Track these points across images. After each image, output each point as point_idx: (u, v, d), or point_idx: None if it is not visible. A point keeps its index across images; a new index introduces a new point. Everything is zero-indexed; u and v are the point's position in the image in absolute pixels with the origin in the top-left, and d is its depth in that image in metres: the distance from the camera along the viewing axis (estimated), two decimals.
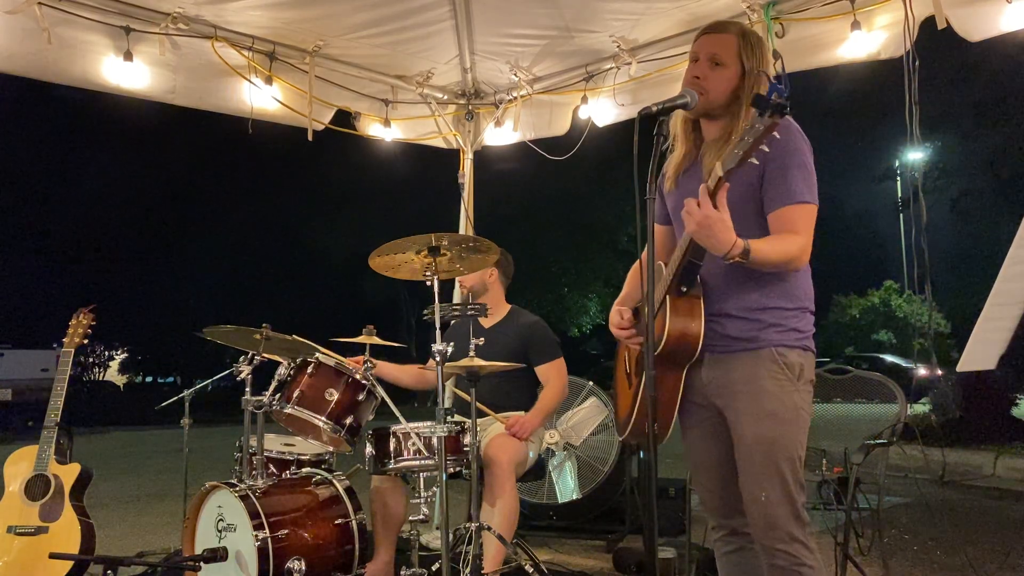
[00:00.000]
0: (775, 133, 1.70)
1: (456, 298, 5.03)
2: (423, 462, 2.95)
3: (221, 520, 2.97)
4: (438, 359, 2.79)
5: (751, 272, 1.99)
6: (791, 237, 1.95)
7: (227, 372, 3.67)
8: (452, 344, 2.86)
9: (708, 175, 1.86)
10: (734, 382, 2.02)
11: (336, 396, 3.18)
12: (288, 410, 3.16)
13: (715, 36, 2.09)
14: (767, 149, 1.69)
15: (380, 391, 3.32)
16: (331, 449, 3.58)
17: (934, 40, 3.57)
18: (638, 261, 2.34)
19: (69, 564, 3.24)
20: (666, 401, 2.07)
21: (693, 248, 1.91)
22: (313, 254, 28.22)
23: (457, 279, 3.75)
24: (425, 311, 2.90)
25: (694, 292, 2.01)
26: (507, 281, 3.88)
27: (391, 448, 3.00)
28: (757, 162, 1.73)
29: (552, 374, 3.62)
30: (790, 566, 1.94)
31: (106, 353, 31.94)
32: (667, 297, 1.99)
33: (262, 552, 2.79)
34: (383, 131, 5.08)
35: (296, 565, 2.86)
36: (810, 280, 2.12)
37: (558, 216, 25.64)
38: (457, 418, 3.22)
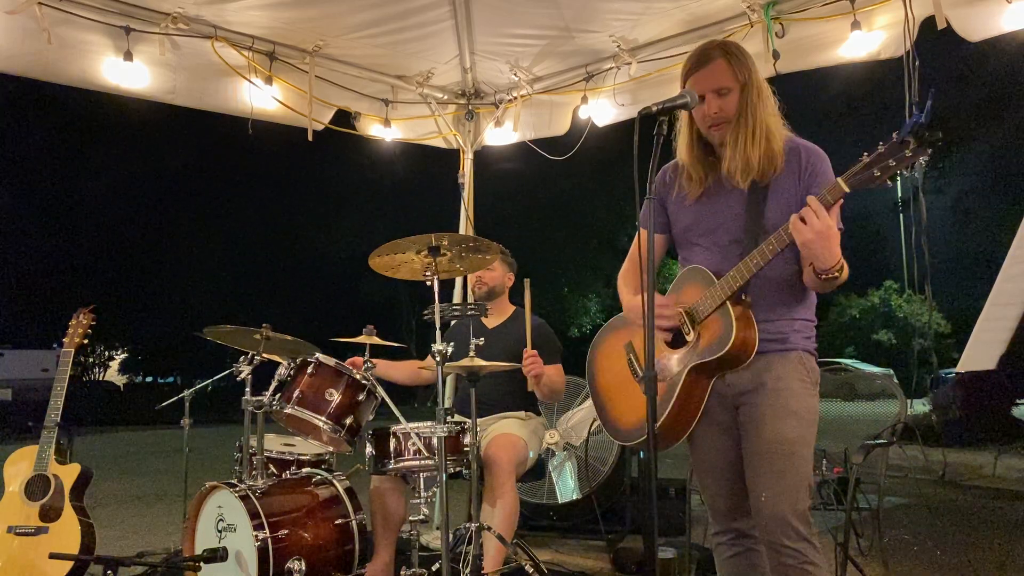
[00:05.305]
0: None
1: (456, 297, 5.04)
2: (423, 462, 2.95)
3: (221, 520, 2.97)
4: (438, 359, 2.79)
5: (784, 282, 2.08)
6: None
7: (227, 372, 3.67)
8: (452, 344, 2.86)
9: (740, 181, 2.05)
10: (763, 381, 2.06)
11: (336, 396, 3.17)
12: (288, 410, 3.16)
13: (706, 69, 2.08)
14: (906, 173, 1.75)
15: (380, 391, 3.32)
16: (331, 449, 3.58)
17: (934, 40, 3.57)
18: (623, 272, 2.39)
19: (69, 564, 3.23)
20: (693, 406, 2.10)
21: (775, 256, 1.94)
22: (313, 254, 28.23)
23: (477, 275, 3.70)
24: (425, 311, 2.90)
25: (748, 299, 2.04)
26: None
27: (391, 448, 3.00)
28: (891, 184, 1.78)
29: (551, 373, 3.61)
30: (798, 564, 1.96)
31: (106, 353, 31.96)
32: (727, 304, 2.01)
33: (262, 552, 2.79)
34: (383, 131, 5.08)
35: (296, 565, 2.86)
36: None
37: (558, 216, 25.66)
38: (457, 418, 3.22)
